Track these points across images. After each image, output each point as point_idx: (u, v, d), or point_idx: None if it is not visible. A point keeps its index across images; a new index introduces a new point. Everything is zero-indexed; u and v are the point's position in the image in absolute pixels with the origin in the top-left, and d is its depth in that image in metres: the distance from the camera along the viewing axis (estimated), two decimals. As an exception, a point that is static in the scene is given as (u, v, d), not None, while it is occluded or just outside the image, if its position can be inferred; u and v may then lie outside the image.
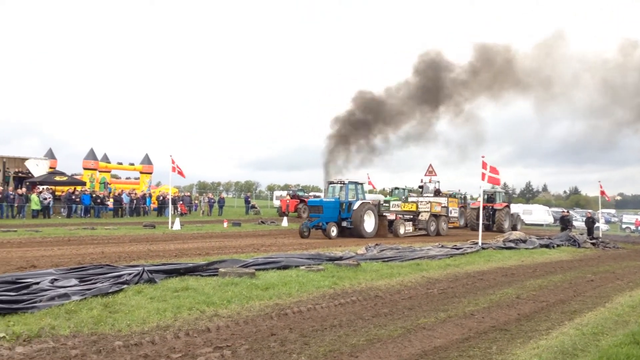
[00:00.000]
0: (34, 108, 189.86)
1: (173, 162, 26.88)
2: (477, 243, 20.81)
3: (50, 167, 39.73)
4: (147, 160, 47.19)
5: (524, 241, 23.28)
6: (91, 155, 42.25)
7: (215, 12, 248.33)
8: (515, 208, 45.75)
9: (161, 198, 40.68)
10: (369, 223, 26.87)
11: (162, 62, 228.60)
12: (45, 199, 33.65)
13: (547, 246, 23.00)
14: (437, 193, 37.65)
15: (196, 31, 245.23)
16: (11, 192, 32.58)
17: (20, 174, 37.99)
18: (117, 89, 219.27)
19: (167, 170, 27.34)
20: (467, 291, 11.44)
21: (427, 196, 36.06)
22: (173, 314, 7.60)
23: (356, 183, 27.75)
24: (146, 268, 10.16)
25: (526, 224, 47.24)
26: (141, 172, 47.41)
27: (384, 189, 70.24)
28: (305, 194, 49.25)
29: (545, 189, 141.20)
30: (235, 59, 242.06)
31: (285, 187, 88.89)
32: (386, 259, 14.98)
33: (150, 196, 41.34)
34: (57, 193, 36.22)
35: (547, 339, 7.59)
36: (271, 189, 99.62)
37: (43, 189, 35.16)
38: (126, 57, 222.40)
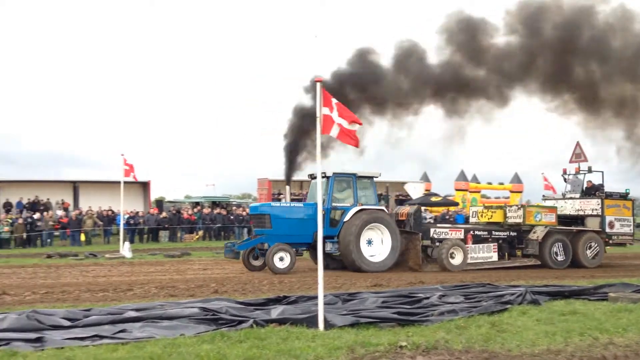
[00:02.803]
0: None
1: (545, 179, 26.17)
2: None
3: (425, 190, 42.86)
4: (516, 179, 46.83)
5: None
6: (462, 176, 44.15)
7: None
8: None
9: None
10: (377, 247, 16.33)
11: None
12: (425, 219, 36.56)
13: None
14: (592, 191, 20.09)
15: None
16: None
17: (400, 197, 42.09)
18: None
19: (538, 188, 26.72)
20: None
21: (573, 197, 20.36)
22: (563, 339, 7.29)
23: (354, 176, 16.71)
24: (528, 289, 10.08)
25: None
26: (511, 191, 47.17)
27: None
28: None
29: None
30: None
31: None
32: None
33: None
34: (433, 213, 38.88)
35: None
36: None
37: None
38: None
